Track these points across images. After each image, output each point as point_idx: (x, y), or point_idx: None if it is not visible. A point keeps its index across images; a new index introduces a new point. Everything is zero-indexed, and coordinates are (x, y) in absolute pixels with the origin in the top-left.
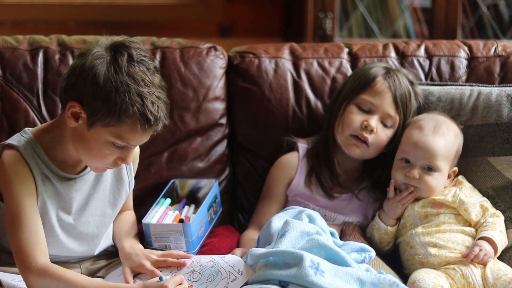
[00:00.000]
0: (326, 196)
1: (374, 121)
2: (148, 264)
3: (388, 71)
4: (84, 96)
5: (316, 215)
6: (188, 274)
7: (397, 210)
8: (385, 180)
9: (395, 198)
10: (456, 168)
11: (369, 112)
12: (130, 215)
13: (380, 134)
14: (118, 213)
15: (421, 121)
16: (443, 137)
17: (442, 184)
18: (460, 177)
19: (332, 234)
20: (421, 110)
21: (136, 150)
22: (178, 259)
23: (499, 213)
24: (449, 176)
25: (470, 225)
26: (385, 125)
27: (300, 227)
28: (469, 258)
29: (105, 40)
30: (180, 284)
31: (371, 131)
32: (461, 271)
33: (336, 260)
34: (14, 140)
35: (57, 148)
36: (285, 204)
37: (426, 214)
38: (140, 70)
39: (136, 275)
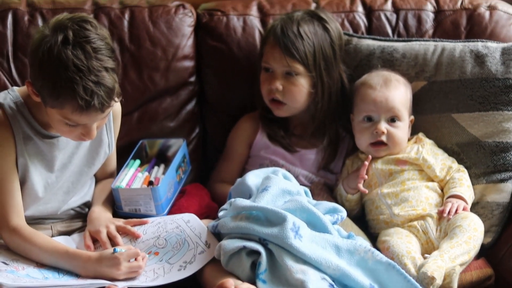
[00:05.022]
0: (287, 150)
1: (276, 82)
2: (104, 233)
3: (276, 26)
4: (31, 78)
5: (290, 176)
6: (153, 239)
7: (354, 185)
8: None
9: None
10: (413, 117)
11: (271, 72)
12: (109, 183)
13: (290, 88)
14: (101, 180)
15: (370, 80)
16: (396, 88)
17: (406, 135)
18: (420, 134)
19: (305, 193)
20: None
21: (117, 109)
22: (135, 225)
23: (462, 167)
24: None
25: (433, 180)
26: (290, 75)
27: (281, 184)
28: (445, 212)
29: (54, 18)
30: (135, 258)
31: (278, 90)
32: (421, 228)
33: (316, 224)
34: (0, 97)
35: (42, 109)
36: (247, 161)
37: (390, 171)
38: (73, 55)
39: (96, 241)
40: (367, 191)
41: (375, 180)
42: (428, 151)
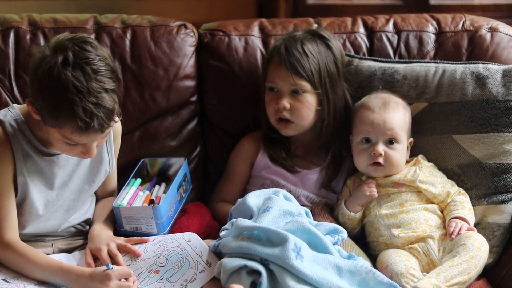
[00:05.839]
0: (288, 170)
1: (283, 100)
2: (104, 251)
3: (280, 45)
4: (31, 97)
5: (290, 196)
6: (154, 257)
7: (363, 198)
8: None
9: (366, 181)
10: (412, 139)
11: (277, 91)
12: (110, 201)
13: (298, 106)
14: (101, 198)
15: (369, 103)
16: (394, 110)
17: (404, 157)
18: (420, 157)
19: (306, 213)
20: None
21: (118, 128)
22: (136, 243)
23: (463, 190)
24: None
25: (432, 202)
26: (296, 93)
27: (283, 205)
28: (449, 232)
29: (55, 38)
30: (127, 277)
31: (285, 108)
32: (423, 250)
33: (317, 245)
34: (1, 114)
35: (42, 127)
36: (248, 181)
37: (387, 193)
38: (73, 76)
39: (96, 259)
40: (376, 195)
41: (374, 202)
42: (426, 174)
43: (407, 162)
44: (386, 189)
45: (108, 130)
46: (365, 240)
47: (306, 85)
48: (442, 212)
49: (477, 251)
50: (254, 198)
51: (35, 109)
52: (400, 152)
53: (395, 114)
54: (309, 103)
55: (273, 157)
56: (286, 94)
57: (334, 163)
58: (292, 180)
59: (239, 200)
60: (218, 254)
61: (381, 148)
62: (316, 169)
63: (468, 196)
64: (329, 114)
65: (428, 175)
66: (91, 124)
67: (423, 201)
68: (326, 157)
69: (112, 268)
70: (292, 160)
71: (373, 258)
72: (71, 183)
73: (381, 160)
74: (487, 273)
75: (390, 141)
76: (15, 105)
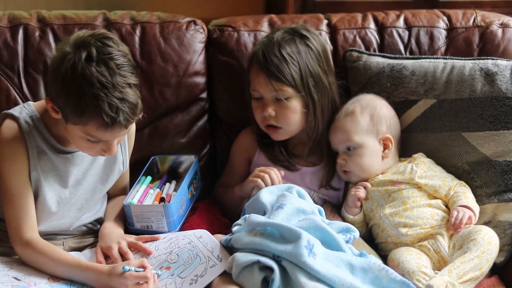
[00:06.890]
0: (287, 168)
1: (268, 108)
2: (115, 249)
3: (258, 51)
4: (53, 95)
5: (304, 193)
6: (165, 255)
7: (350, 198)
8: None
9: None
10: (387, 135)
11: (261, 99)
12: (121, 199)
13: (283, 112)
14: (113, 196)
15: (343, 108)
16: (348, 116)
17: (375, 157)
18: (417, 155)
19: (319, 212)
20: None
21: (132, 128)
22: (147, 241)
23: (464, 182)
24: (386, 147)
25: (435, 198)
26: (279, 100)
27: (296, 203)
28: (454, 226)
29: (75, 35)
30: (146, 281)
31: (270, 116)
32: (433, 247)
33: (330, 243)
34: (16, 111)
35: (58, 124)
36: (248, 175)
37: (387, 191)
38: (97, 71)
39: (107, 257)
40: (361, 195)
41: (375, 204)
42: (424, 169)
43: (403, 160)
44: (386, 188)
45: (131, 126)
46: (373, 242)
47: (288, 90)
48: (446, 206)
49: (487, 245)
50: (267, 195)
51: (57, 107)
52: (364, 155)
53: (347, 120)
54: (294, 107)
55: (271, 159)
56: (270, 101)
57: (331, 163)
58: (291, 178)
59: (253, 196)
60: (229, 248)
61: (342, 157)
62: (314, 168)
63: (469, 188)
64: (315, 114)
65: (427, 170)
66: (117, 119)
67: (425, 196)
68: (322, 157)
69: (129, 270)
70: (291, 159)
71: (383, 259)
72: (84, 182)
73: (346, 168)
74: (498, 271)
75: (348, 148)
76: (30, 102)
